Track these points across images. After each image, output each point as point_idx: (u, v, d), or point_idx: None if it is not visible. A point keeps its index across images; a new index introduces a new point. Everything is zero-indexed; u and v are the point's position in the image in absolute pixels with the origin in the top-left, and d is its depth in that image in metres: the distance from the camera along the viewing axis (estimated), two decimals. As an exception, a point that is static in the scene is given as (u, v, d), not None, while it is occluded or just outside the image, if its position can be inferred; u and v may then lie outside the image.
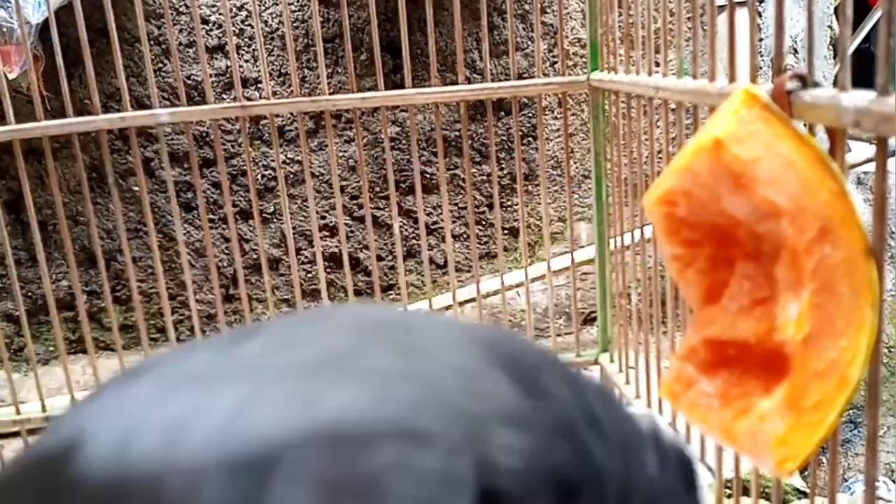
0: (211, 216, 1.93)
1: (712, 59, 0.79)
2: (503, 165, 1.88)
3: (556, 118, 1.95)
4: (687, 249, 0.66)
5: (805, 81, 0.59)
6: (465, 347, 0.34)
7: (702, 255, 0.65)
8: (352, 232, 1.98)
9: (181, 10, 1.87)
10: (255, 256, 1.96)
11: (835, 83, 0.57)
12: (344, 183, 1.95)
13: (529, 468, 0.29)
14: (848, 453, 1.71)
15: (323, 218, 1.94)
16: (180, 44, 1.88)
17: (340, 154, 1.94)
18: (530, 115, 1.91)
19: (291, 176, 1.96)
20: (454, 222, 1.86)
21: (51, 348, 1.92)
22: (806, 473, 1.01)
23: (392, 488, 0.26)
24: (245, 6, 1.89)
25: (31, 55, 1.46)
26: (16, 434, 1.33)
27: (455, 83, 1.32)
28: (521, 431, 0.30)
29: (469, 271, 1.86)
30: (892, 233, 1.59)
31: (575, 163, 1.95)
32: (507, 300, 1.65)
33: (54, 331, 1.28)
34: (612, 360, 1.32)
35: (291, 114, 1.76)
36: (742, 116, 0.58)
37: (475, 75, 1.89)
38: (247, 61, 1.93)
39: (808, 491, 1.00)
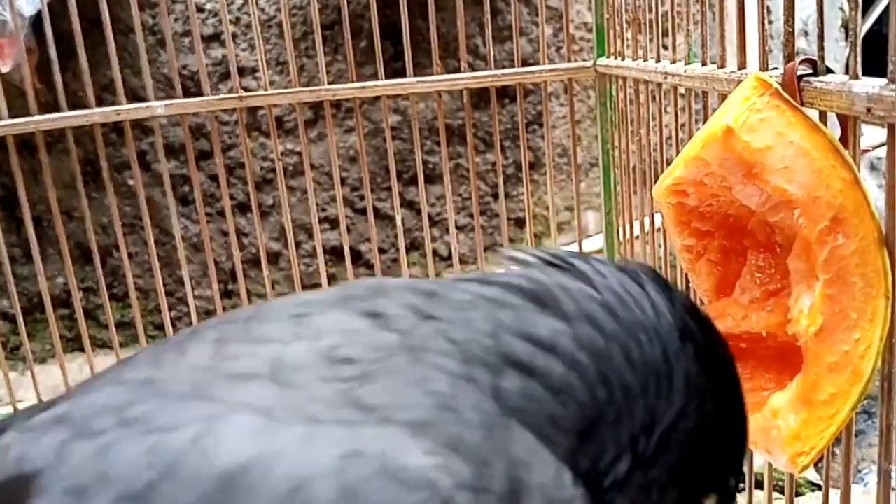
0: (208, 209, 1.92)
1: (722, 44, 0.77)
2: (508, 154, 1.87)
3: (562, 105, 1.93)
4: (698, 240, 0.65)
5: (816, 67, 0.58)
6: None
7: (713, 246, 0.65)
8: (353, 224, 1.96)
9: (177, -2, 1.85)
10: (254, 250, 1.94)
11: (846, 69, 0.55)
12: (344, 174, 1.93)
13: None
14: (862, 444, 1.69)
15: (323, 210, 1.92)
16: (175, 33, 1.86)
17: (340, 144, 1.92)
18: (535, 101, 1.89)
19: (290, 167, 1.94)
20: (458, 213, 1.84)
21: (47, 346, 1.91)
22: (820, 466, 1.00)
23: None
24: (242, -6, 1.87)
25: (25, 48, 1.44)
26: (15, 432, 1.32)
27: (458, 70, 1.30)
28: None
29: (474, 263, 1.84)
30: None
31: (582, 150, 1.93)
32: (512, 291, 1.64)
33: (51, 329, 1.27)
34: (620, 352, 1.31)
35: (290, 104, 1.74)
36: (753, 104, 0.57)
37: (478, 61, 1.87)
38: (244, 50, 1.91)
39: (821, 483, 0.99)
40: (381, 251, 1.85)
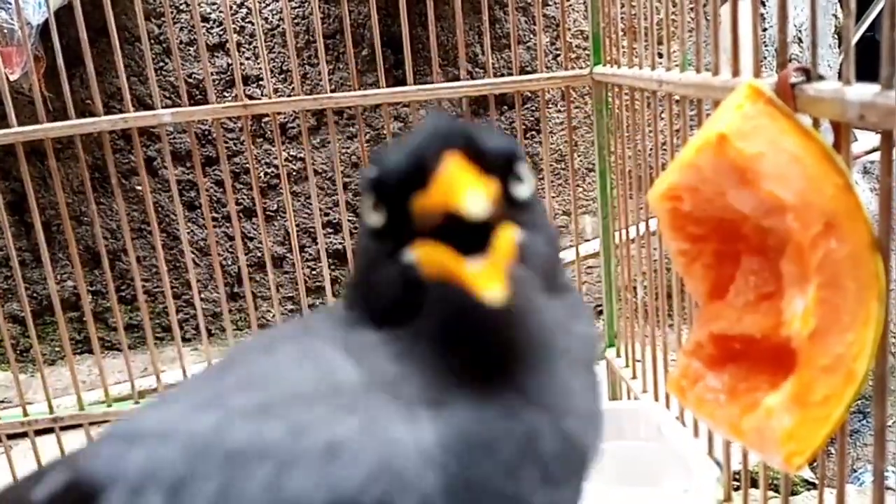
0: (214, 215, 1.93)
1: (716, 51, 0.78)
2: (506, 159, 1.88)
3: (559, 111, 1.95)
4: (692, 244, 0.66)
5: (809, 74, 0.59)
6: None
7: (707, 250, 0.65)
8: (355, 228, 1.97)
9: (181, 8, 1.87)
10: (258, 254, 1.96)
11: (839, 76, 0.56)
12: (347, 179, 1.94)
13: None
14: (857, 444, 1.70)
15: (326, 215, 1.94)
16: (181, 42, 1.88)
17: (343, 150, 1.93)
18: (533, 108, 1.91)
19: (294, 173, 1.95)
20: (458, 217, 1.85)
21: (57, 349, 1.93)
22: (815, 464, 1.00)
23: None
24: (245, 3, 1.89)
25: (32, 56, 1.46)
26: (23, 435, 1.33)
27: (457, 78, 1.31)
28: None
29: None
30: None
31: (579, 156, 1.94)
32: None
33: (60, 331, 1.28)
34: (618, 355, 1.32)
35: (293, 112, 1.76)
36: (746, 111, 0.58)
37: (477, 69, 1.89)
38: (248, 59, 1.92)
39: (816, 482, 1.00)
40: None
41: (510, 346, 0.37)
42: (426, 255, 0.36)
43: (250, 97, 1.71)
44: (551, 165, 1.93)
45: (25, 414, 1.31)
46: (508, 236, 0.36)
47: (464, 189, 0.34)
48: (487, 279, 0.34)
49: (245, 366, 0.41)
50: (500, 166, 0.38)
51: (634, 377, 1.23)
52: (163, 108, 1.24)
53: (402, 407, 0.36)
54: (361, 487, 0.33)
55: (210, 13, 1.87)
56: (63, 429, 1.33)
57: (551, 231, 0.43)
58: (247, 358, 0.43)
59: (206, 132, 1.91)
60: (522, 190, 0.39)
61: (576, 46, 1.91)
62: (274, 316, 1.56)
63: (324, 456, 0.34)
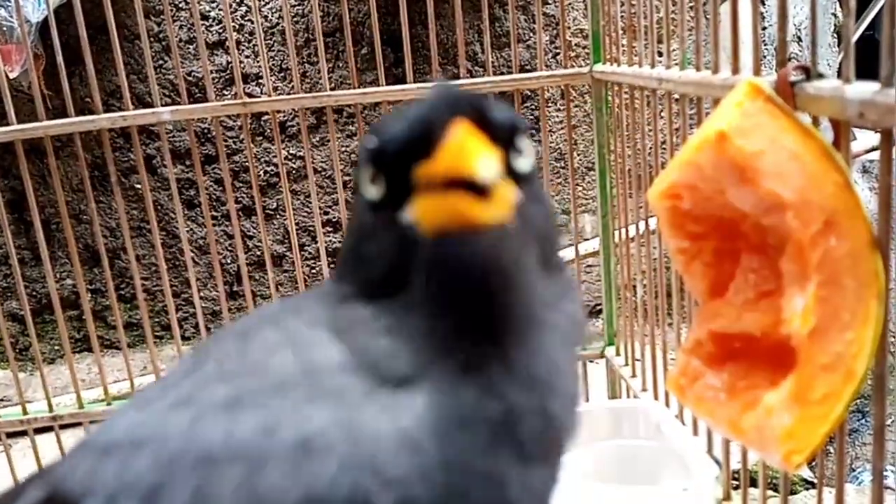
0: (214, 213, 1.93)
1: (715, 50, 0.78)
2: (506, 158, 1.88)
3: (559, 110, 1.95)
4: (692, 243, 0.66)
5: (809, 73, 0.59)
6: None
7: (707, 249, 0.65)
8: (355, 227, 1.97)
9: (181, 6, 1.87)
10: (258, 253, 1.96)
11: (839, 74, 0.56)
12: (346, 178, 1.94)
13: None
14: (856, 443, 1.71)
15: (326, 213, 1.93)
16: (180, 40, 1.88)
17: (342, 149, 1.93)
18: (533, 107, 1.91)
19: (294, 172, 1.95)
20: (458, 216, 1.85)
21: (56, 347, 1.93)
22: (813, 464, 1.01)
23: None
24: (245, 1, 1.89)
25: (32, 54, 1.46)
26: (23, 433, 1.33)
27: (457, 76, 1.31)
28: None
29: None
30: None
31: (578, 155, 1.94)
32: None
33: (59, 329, 1.28)
34: (618, 354, 1.32)
35: (293, 110, 1.76)
36: (746, 109, 0.58)
37: (477, 68, 1.89)
38: (247, 57, 1.92)
39: (815, 481, 1.00)
40: (383, 254, 1.86)
41: (502, 309, 0.36)
42: (426, 207, 0.35)
43: (250, 95, 1.71)
44: (551, 164, 1.93)
45: (25, 412, 1.31)
46: (510, 191, 0.36)
47: (474, 154, 0.34)
48: (489, 208, 0.34)
49: (219, 356, 0.41)
50: (503, 138, 0.38)
51: (634, 376, 1.23)
52: (162, 106, 1.24)
53: (379, 390, 0.36)
54: (334, 483, 0.33)
55: (209, 11, 1.87)
56: (62, 427, 1.33)
57: (549, 207, 0.42)
58: (222, 347, 0.42)
59: (206, 130, 1.91)
60: (523, 163, 0.39)
61: (575, 45, 1.91)
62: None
63: (295, 453, 0.34)
